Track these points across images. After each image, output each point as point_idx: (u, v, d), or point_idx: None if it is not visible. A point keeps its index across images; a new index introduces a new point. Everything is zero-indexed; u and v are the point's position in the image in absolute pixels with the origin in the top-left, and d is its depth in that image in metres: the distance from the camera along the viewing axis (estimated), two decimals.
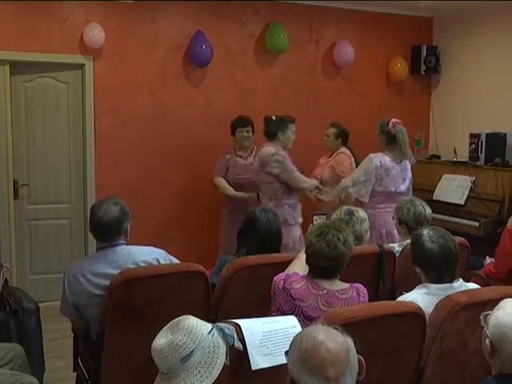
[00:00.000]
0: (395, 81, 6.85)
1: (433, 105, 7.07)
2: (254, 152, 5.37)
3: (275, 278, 2.74)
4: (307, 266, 2.75)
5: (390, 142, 4.74)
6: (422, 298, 2.71)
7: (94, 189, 5.58)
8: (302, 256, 2.85)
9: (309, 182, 4.99)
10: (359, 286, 2.75)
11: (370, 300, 2.76)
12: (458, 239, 3.48)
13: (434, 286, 2.77)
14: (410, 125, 6.67)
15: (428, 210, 3.83)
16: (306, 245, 2.76)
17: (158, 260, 3.12)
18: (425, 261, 2.82)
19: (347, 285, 2.72)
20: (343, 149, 5.46)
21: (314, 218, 3.55)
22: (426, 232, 2.88)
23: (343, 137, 5.48)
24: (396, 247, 3.74)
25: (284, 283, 2.68)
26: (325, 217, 3.57)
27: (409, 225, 3.77)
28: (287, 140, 4.89)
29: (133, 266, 3.00)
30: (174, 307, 2.81)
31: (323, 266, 2.66)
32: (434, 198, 5.98)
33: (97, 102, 5.55)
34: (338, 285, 2.70)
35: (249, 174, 5.27)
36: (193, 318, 1.95)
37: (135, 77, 5.69)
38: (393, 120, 4.73)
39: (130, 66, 5.66)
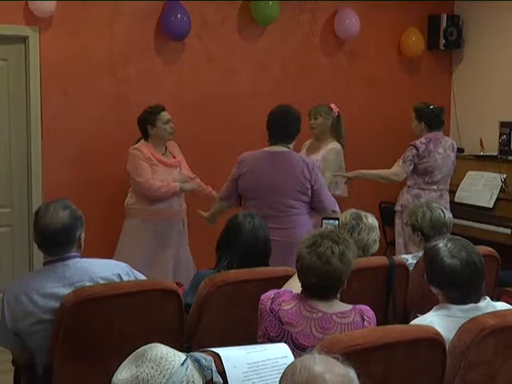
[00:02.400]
0: (409, 57, 6.89)
1: (454, 87, 7.11)
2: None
3: (263, 297, 2.75)
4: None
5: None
6: (441, 321, 2.72)
7: (40, 189, 5.55)
8: None
9: None
10: (364, 308, 2.74)
11: (378, 325, 2.76)
12: (486, 250, 3.52)
13: (455, 307, 2.77)
14: None
15: (448, 215, 3.85)
16: (296, 257, 2.75)
17: (119, 276, 3.12)
18: (445, 281, 2.80)
19: (349, 307, 2.71)
20: None
21: (323, 222, 3.43)
22: (442, 244, 2.84)
23: None
24: (409, 259, 3.76)
25: (272, 303, 2.68)
26: (337, 222, 3.45)
27: (424, 232, 3.79)
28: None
29: (89, 284, 3.00)
30: (140, 333, 2.81)
31: (315, 283, 2.66)
32: (456, 199, 6.02)
33: (44, 83, 5.52)
34: (337, 307, 2.69)
35: None
36: (162, 346, 1.95)
37: (92, 52, 5.66)
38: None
39: (86, 38, 5.63)
